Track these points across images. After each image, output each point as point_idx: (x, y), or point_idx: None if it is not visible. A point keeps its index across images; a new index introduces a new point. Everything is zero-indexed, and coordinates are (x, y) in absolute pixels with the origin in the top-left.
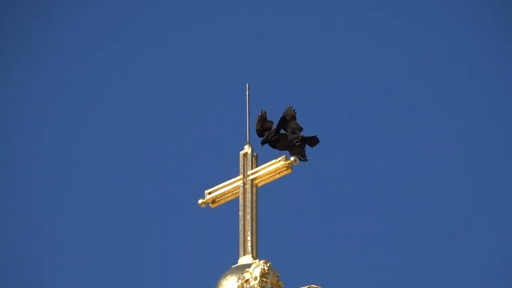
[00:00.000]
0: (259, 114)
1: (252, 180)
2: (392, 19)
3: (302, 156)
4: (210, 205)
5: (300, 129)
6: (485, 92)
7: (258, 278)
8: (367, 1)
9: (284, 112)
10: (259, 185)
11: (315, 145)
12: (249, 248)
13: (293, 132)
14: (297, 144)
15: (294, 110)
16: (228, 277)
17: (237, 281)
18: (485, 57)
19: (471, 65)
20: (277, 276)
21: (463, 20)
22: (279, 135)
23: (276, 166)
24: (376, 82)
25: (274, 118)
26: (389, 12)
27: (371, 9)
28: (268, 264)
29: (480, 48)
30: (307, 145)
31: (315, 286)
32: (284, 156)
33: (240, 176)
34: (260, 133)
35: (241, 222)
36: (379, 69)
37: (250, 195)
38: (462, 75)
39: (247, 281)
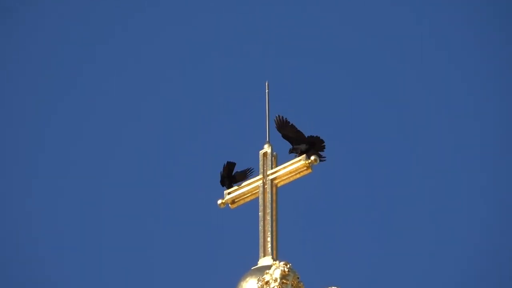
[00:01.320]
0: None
1: (272, 180)
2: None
3: (319, 156)
4: (229, 205)
5: (298, 140)
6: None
7: (278, 280)
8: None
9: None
10: (279, 185)
11: (321, 148)
12: (269, 249)
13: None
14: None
15: (280, 118)
16: (248, 279)
17: (257, 283)
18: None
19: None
20: (298, 278)
21: (465, 20)
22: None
23: (296, 165)
24: (390, 84)
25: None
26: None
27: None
28: (288, 266)
29: (482, 49)
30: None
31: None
32: (304, 155)
33: (260, 176)
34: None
35: (261, 223)
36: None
37: (270, 195)
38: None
39: (267, 283)
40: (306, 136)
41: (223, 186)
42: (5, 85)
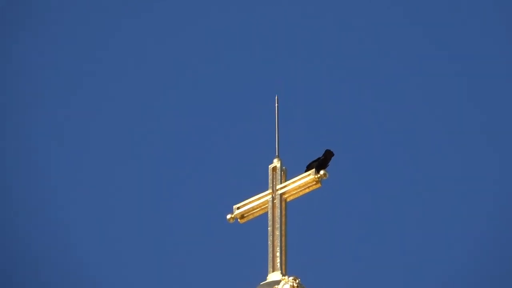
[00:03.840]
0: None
1: (281, 194)
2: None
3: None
4: (238, 220)
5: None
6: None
7: None
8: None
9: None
10: (288, 199)
11: (329, 159)
12: (278, 264)
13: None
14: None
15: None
16: None
17: None
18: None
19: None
20: None
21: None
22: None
23: (305, 180)
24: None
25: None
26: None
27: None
28: (297, 281)
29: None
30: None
31: None
32: (313, 170)
33: (269, 191)
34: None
35: (270, 238)
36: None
37: (279, 210)
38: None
39: None
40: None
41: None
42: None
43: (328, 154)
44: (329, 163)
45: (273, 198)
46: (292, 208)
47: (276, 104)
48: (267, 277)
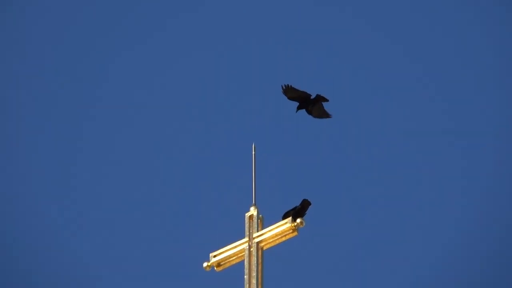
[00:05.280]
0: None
1: (258, 243)
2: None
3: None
4: (215, 268)
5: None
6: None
7: None
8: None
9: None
10: (265, 248)
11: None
12: None
13: None
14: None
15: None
16: None
17: None
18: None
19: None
20: None
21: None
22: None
23: (282, 228)
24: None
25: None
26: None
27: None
28: None
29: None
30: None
31: None
32: (290, 218)
33: (246, 239)
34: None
35: (246, 286)
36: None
37: (255, 258)
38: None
39: None
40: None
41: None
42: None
43: (306, 204)
44: (306, 212)
45: (250, 246)
46: (268, 256)
47: (253, 152)
48: None
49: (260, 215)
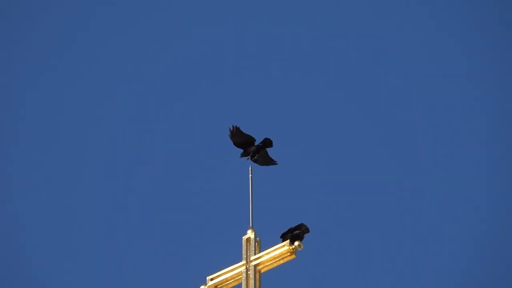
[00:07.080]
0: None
1: (255, 265)
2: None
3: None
4: None
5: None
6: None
7: None
8: None
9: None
10: (262, 271)
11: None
12: None
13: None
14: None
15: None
16: None
17: None
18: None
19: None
20: None
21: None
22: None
23: (279, 251)
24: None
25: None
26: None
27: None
28: None
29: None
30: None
31: None
32: (288, 241)
33: (243, 262)
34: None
35: None
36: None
37: (253, 281)
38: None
39: None
40: None
41: None
42: None
43: (304, 229)
44: (304, 235)
45: (247, 269)
46: (266, 279)
47: (250, 175)
48: None
49: (258, 238)
